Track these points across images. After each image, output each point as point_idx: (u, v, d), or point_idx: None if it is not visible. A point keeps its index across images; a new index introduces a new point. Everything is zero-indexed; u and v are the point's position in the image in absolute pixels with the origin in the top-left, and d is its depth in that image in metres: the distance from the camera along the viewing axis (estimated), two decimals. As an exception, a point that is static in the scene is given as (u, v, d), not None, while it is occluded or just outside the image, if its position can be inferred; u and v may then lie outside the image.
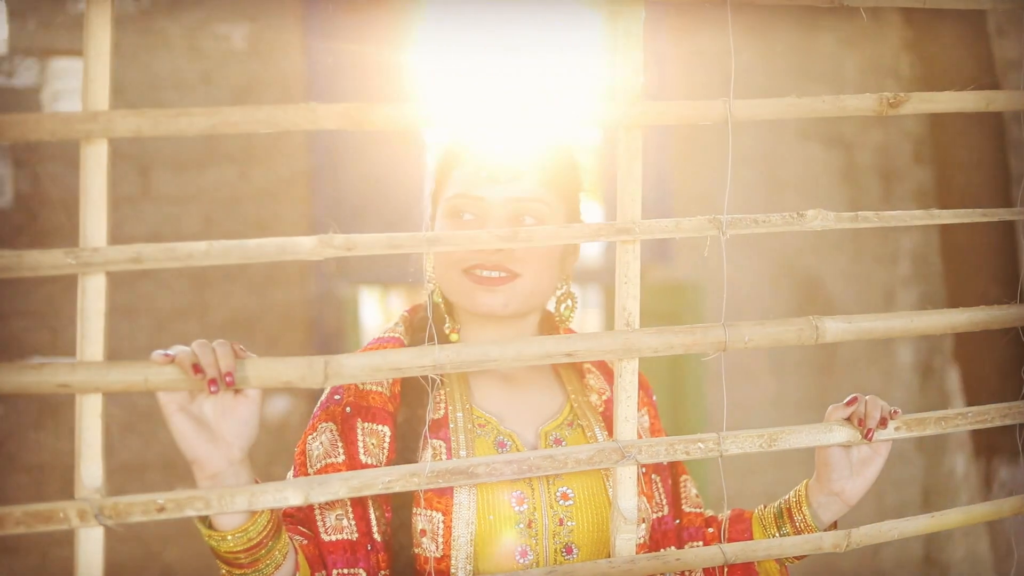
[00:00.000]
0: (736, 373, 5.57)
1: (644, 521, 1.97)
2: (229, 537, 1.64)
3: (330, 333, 5.00)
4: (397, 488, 1.63)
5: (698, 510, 2.11)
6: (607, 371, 2.05)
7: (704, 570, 2.02)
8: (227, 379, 1.52)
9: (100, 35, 1.51)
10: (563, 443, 1.97)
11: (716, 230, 1.74)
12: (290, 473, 1.94)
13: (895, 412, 1.88)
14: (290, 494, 1.59)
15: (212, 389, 1.52)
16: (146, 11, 5.01)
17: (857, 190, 5.96)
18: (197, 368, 1.52)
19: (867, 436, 1.85)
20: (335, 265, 5.15)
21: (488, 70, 4.95)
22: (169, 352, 1.54)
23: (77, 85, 5.12)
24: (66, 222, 4.61)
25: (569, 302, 2.05)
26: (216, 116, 1.53)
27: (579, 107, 1.71)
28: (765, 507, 2.05)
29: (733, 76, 1.76)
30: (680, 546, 2.06)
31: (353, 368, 1.60)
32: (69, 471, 5.30)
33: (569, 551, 1.90)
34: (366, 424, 1.90)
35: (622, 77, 1.71)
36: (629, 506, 1.74)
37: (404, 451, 1.88)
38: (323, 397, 1.96)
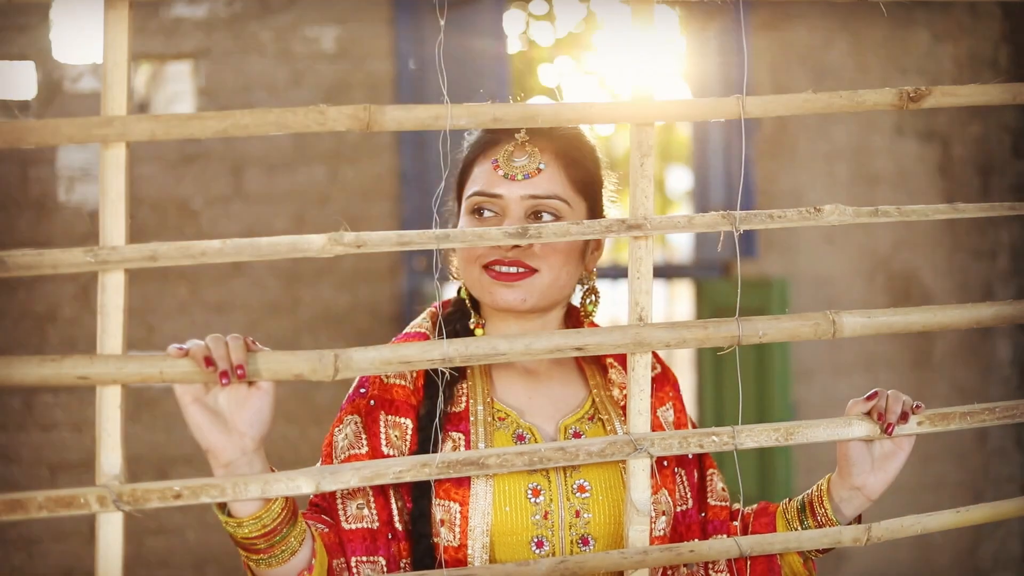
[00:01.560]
0: (828, 368, 5.52)
1: (664, 514, 1.99)
2: (245, 524, 1.70)
3: (417, 329, 5.05)
4: (408, 478, 1.67)
5: (724, 504, 2.11)
6: (631, 365, 2.06)
7: (727, 563, 2.04)
8: (238, 371, 1.59)
9: (118, 42, 1.58)
10: (582, 437, 1.99)
11: (729, 225, 1.76)
12: (318, 464, 1.99)
13: (918, 407, 1.87)
14: (302, 482, 1.64)
15: (223, 381, 1.58)
16: (238, 15, 5.13)
17: (953, 184, 5.87)
18: (209, 361, 1.58)
19: (887, 431, 1.85)
20: (424, 261, 5.23)
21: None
22: (184, 346, 1.61)
23: (175, 89, 5.26)
24: (157, 221, 4.76)
25: (593, 297, 2.08)
26: (227, 120, 1.59)
27: (589, 105, 1.74)
28: (790, 501, 2.05)
29: (746, 73, 1.78)
30: (704, 539, 2.06)
31: (362, 361, 1.65)
32: (164, 462, 5.45)
33: (585, 542, 1.93)
34: (389, 417, 1.95)
35: (636, 73, 1.74)
36: (642, 498, 1.75)
37: (426, 443, 1.92)
38: (350, 391, 2.01)
